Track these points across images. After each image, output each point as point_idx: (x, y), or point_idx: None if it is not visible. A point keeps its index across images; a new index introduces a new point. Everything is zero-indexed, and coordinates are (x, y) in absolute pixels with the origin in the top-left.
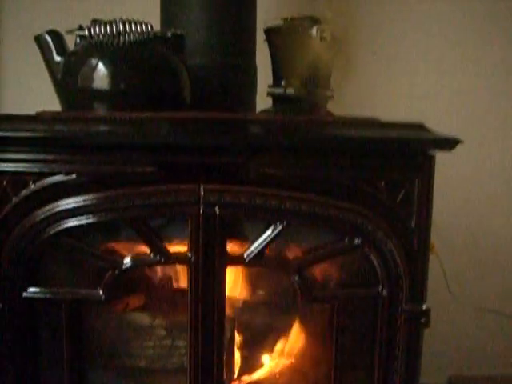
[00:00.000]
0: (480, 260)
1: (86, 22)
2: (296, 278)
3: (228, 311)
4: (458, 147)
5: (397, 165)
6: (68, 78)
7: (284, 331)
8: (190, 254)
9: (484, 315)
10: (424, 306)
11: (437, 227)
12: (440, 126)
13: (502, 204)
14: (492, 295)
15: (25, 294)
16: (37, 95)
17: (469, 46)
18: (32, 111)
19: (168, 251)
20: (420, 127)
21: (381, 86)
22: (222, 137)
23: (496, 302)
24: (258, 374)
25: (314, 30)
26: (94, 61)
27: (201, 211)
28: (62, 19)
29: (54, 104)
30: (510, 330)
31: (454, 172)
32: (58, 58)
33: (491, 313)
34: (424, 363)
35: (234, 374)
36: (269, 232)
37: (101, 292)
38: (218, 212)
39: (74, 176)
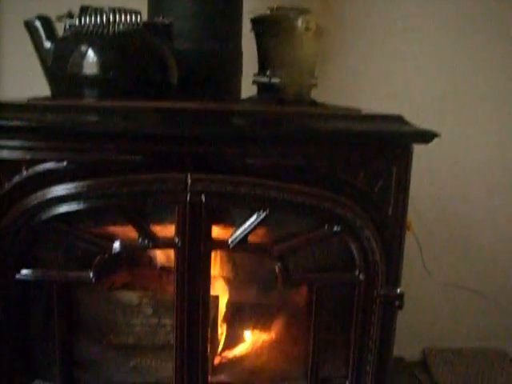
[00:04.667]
0: (455, 239)
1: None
2: (277, 263)
3: (212, 289)
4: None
5: (376, 156)
6: (57, 64)
7: (266, 309)
8: (176, 240)
9: (456, 291)
10: (398, 290)
11: (414, 206)
12: (417, 112)
13: (479, 185)
14: (465, 272)
15: (18, 276)
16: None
17: (447, 37)
18: (31, 93)
19: (156, 236)
20: (399, 120)
21: (362, 75)
22: (209, 128)
23: (468, 279)
24: (240, 349)
25: (299, 21)
26: (83, 48)
27: (188, 199)
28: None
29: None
30: (480, 305)
31: (434, 153)
32: (47, 44)
33: (463, 289)
34: (399, 336)
35: (217, 349)
36: (252, 219)
37: (91, 274)
38: (204, 200)
39: (64, 163)
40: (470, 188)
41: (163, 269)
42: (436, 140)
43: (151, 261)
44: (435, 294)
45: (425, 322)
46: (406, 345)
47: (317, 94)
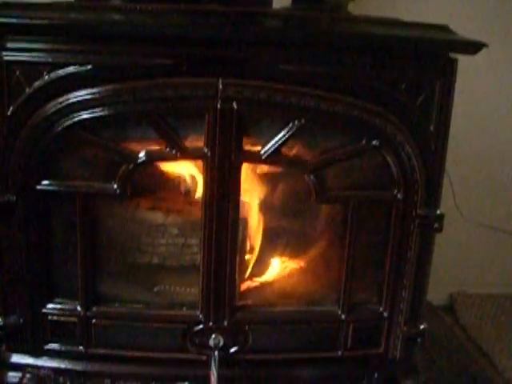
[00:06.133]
0: (489, 178)
1: None
2: (311, 177)
3: (241, 212)
4: (478, 61)
5: (418, 67)
6: None
7: (296, 233)
8: (206, 149)
9: (489, 233)
10: (438, 212)
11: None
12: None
13: None
14: (498, 214)
15: (38, 187)
16: None
17: None
18: None
19: (184, 145)
20: (444, 29)
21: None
22: (241, 29)
23: (501, 221)
24: (267, 275)
25: None
26: None
27: (218, 106)
28: None
29: None
30: None
31: (469, 86)
32: None
33: (496, 230)
34: None
35: (245, 273)
36: (286, 130)
37: (115, 186)
38: (235, 107)
39: (89, 67)
40: (506, 124)
41: (190, 193)
42: (474, 68)
43: (177, 185)
44: (466, 236)
45: (454, 265)
46: (434, 288)
47: (354, 8)
